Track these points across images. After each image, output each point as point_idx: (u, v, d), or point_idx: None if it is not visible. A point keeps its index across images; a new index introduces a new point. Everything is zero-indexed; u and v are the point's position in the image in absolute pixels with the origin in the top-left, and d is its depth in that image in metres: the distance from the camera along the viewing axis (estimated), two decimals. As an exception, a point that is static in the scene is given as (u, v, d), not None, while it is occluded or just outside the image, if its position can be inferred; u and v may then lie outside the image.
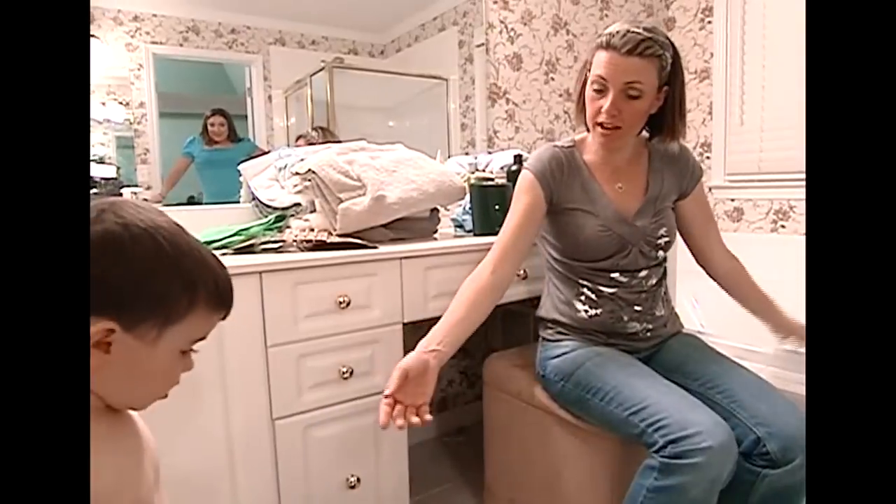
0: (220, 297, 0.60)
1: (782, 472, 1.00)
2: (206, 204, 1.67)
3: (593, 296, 1.21)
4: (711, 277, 1.31)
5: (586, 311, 1.22)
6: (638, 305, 1.20)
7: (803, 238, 2.17)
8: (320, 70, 1.89)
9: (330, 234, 1.25)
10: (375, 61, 2.03)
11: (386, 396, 0.94)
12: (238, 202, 1.61)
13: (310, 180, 1.26)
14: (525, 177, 1.22)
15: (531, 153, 1.31)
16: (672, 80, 1.12)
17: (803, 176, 2.18)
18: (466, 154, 2.01)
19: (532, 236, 1.20)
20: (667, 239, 1.21)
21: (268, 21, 1.82)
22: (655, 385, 1.07)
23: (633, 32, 1.05)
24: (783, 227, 2.25)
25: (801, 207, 2.19)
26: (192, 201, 1.70)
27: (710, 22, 2.42)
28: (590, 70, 1.13)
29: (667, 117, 1.17)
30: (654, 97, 1.12)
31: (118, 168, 1.59)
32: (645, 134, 1.25)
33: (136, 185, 1.59)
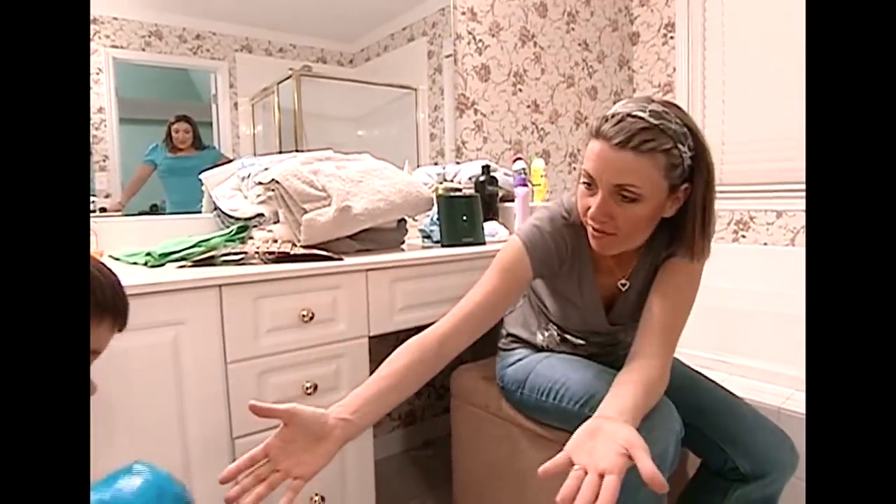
0: (100, 305, 0.57)
1: (755, 486, 0.99)
2: (170, 213, 1.63)
3: (558, 338, 1.18)
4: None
5: (546, 345, 1.20)
6: (605, 354, 1.15)
7: (763, 248, 2.24)
8: (287, 78, 1.86)
9: (294, 245, 1.23)
10: (344, 70, 2.02)
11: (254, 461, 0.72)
12: (200, 212, 1.57)
13: (273, 190, 1.23)
14: (515, 248, 0.98)
15: (532, 214, 1.06)
16: (694, 178, 0.87)
17: (763, 187, 2.24)
18: (435, 164, 2.01)
19: (500, 314, 0.99)
20: None
21: (234, 28, 1.79)
22: (603, 375, 1.02)
23: (632, 118, 0.82)
24: (744, 237, 2.31)
25: (761, 218, 2.25)
26: (154, 210, 1.65)
27: (672, 37, 2.49)
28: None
29: (686, 228, 0.91)
30: (664, 200, 0.87)
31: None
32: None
33: (93, 195, 1.54)
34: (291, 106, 1.89)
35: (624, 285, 1.04)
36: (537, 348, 1.21)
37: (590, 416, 0.81)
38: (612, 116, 0.84)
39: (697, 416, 1.04)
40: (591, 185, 0.88)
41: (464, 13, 2.13)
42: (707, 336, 1.33)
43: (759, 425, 1.02)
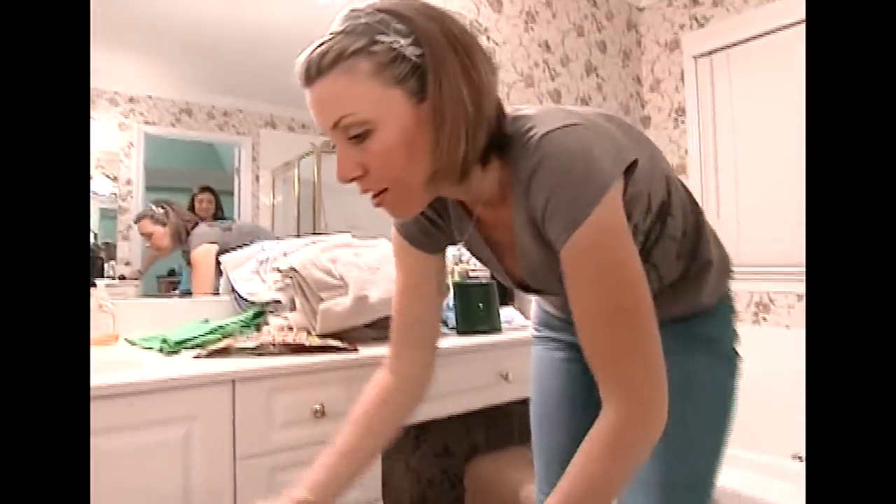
0: None
1: None
2: (185, 292, 1.64)
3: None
4: None
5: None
6: None
7: (786, 330, 2.20)
8: (309, 154, 1.92)
9: (309, 333, 1.23)
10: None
11: None
12: (217, 292, 1.58)
13: (291, 278, 1.25)
14: (392, 235, 0.83)
15: None
16: (435, 66, 0.60)
17: (782, 269, 2.23)
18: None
19: (432, 302, 0.83)
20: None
21: (260, 105, 1.86)
22: (543, 435, 0.92)
23: (313, 47, 0.62)
24: (765, 319, 2.28)
25: (782, 300, 2.23)
26: (172, 274, 1.68)
27: (683, 122, 2.55)
28: None
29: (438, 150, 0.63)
30: (409, 112, 0.61)
31: (96, 234, 1.57)
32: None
33: (112, 262, 1.57)
34: (311, 179, 1.93)
35: (496, 243, 0.76)
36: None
37: None
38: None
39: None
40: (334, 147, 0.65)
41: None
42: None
43: None
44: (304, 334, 1.22)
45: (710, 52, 2.42)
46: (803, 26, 2.10)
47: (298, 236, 1.89)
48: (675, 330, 0.72)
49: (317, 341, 1.18)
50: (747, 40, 2.27)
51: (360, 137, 0.61)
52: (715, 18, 2.38)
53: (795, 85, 2.15)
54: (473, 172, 0.65)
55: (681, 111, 2.53)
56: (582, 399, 0.88)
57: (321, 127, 0.64)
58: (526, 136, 0.62)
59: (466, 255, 1.78)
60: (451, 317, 1.48)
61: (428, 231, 0.79)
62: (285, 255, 1.34)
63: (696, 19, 2.45)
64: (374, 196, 0.65)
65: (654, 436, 0.59)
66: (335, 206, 1.96)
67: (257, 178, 1.88)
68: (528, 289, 0.80)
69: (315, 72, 0.61)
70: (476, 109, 0.61)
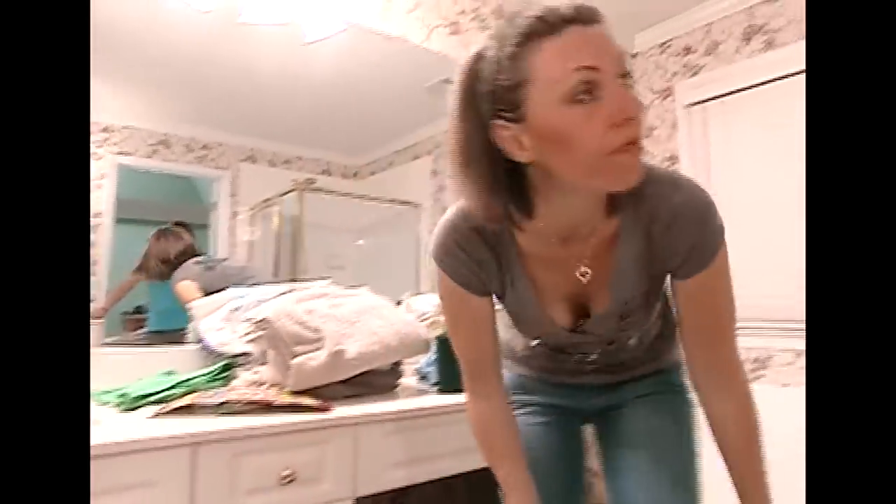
0: None
1: None
2: (153, 331, 1.55)
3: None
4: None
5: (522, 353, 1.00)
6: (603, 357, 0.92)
7: (784, 388, 2.11)
8: (290, 191, 1.85)
9: (281, 389, 1.15)
10: (349, 182, 2.02)
11: None
12: (184, 328, 1.49)
13: (264, 329, 1.17)
14: (439, 276, 0.82)
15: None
16: None
17: (780, 324, 2.13)
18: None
19: (495, 334, 0.86)
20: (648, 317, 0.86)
21: (240, 138, 1.79)
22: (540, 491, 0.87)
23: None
24: (763, 376, 2.17)
25: (781, 358, 2.15)
26: (139, 311, 1.59)
27: (676, 168, 2.53)
28: (529, 82, 0.62)
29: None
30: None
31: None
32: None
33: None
34: (292, 216, 1.87)
35: (585, 275, 0.78)
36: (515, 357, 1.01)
37: None
38: (553, 6, 0.62)
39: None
40: (590, 89, 0.60)
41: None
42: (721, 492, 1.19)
43: None
44: (275, 391, 1.13)
45: (704, 101, 2.41)
46: (798, 78, 2.10)
47: (276, 275, 1.81)
48: (658, 380, 0.95)
49: (288, 399, 1.10)
50: (741, 90, 2.26)
51: (629, 87, 0.63)
52: (706, 67, 2.38)
53: (793, 136, 2.13)
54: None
55: (674, 158, 2.51)
56: (569, 453, 0.98)
57: (605, 62, 0.61)
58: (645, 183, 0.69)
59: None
60: (431, 372, 1.40)
61: (478, 274, 0.80)
62: (259, 303, 1.26)
63: (688, 67, 2.45)
64: (634, 144, 0.63)
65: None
66: (316, 244, 1.89)
67: (235, 213, 1.81)
68: (573, 329, 0.84)
69: (597, 16, 0.63)
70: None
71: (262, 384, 1.16)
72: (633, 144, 0.62)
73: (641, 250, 0.75)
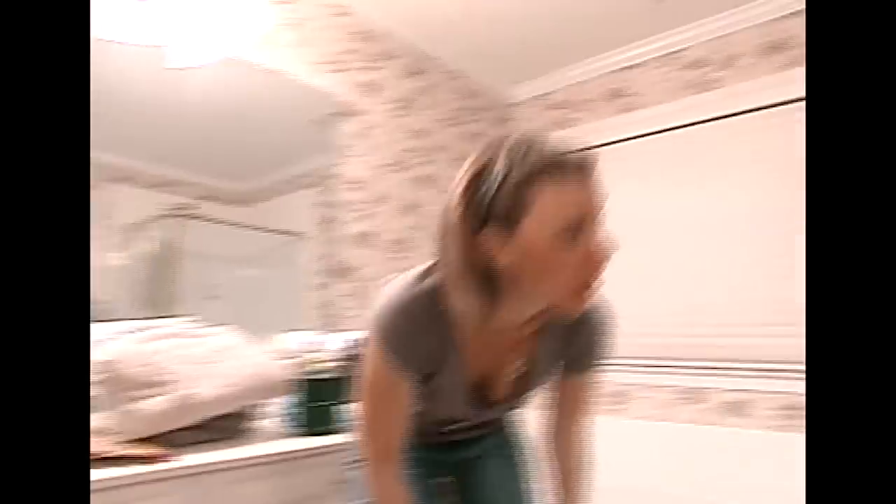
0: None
1: None
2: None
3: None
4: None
5: None
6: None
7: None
8: (165, 216, 1.74)
9: (117, 438, 1.04)
10: (234, 209, 1.93)
11: None
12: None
13: (99, 372, 1.06)
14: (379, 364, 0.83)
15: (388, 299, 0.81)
16: None
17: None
18: (312, 330, 1.89)
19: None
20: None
21: (111, 157, 1.67)
22: None
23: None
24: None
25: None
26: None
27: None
28: (527, 211, 0.70)
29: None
30: None
31: None
32: None
33: None
34: (168, 242, 1.75)
35: (519, 369, 0.90)
36: None
37: None
38: (564, 152, 0.72)
39: None
40: (576, 235, 0.70)
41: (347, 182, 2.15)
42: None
43: None
44: (107, 440, 1.03)
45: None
46: (658, 136, 2.32)
47: (146, 304, 1.66)
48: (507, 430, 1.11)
49: (120, 451, 0.99)
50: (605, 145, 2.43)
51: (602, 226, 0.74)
52: (581, 121, 2.58)
53: (665, 187, 2.31)
54: None
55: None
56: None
57: (593, 212, 0.72)
58: None
59: (325, 343, 1.66)
60: (294, 414, 1.34)
61: (427, 357, 0.82)
62: (97, 342, 1.15)
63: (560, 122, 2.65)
64: (592, 287, 0.74)
65: None
66: (193, 272, 1.78)
67: (102, 236, 1.66)
68: (488, 403, 0.92)
69: (594, 168, 0.74)
70: None
71: (100, 432, 1.04)
72: (591, 287, 0.73)
73: (557, 345, 0.90)
